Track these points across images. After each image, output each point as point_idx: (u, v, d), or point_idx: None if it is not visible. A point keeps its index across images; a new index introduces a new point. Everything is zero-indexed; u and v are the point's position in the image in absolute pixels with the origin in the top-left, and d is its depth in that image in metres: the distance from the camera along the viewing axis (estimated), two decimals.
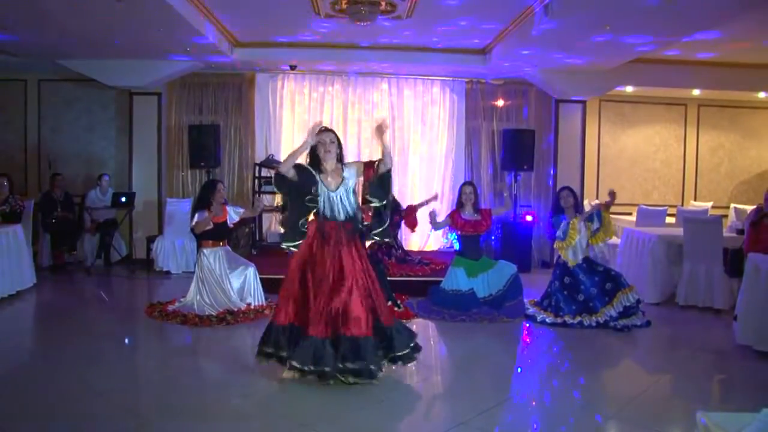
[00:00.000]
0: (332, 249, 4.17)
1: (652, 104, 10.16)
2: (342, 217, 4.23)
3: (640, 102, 10.11)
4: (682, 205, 10.06)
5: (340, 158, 4.30)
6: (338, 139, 4.31)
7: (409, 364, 4.34)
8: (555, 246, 6.27)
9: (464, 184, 6.59)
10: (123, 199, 8.49)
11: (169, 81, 8.91)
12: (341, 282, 4.10)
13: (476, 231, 6.35)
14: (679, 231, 6.92)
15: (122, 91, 9.01)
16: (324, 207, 4.23)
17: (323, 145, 4.22)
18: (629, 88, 9.39)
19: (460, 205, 6.43)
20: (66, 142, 9.36)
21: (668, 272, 6.89)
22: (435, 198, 7.56)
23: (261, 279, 6.29)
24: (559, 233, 6.10)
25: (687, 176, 10.36)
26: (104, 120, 9.39)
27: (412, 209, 7.47)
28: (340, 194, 4.23)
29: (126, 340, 5.47)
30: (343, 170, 4.29)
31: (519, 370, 4.82)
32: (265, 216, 9.24)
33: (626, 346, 5.45)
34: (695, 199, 10.27)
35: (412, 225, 7.49)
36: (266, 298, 6.24)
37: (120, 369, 4.54)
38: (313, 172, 4.23)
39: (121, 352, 5.13)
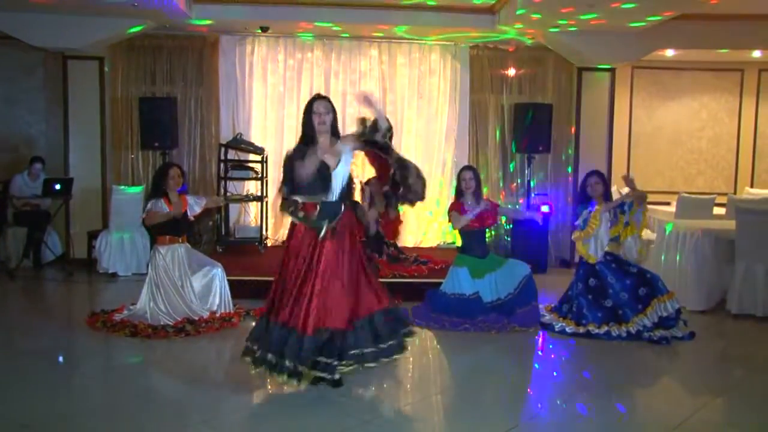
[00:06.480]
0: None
1: (699, 71, 10.14)
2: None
3: (683, 68, 10.11)
4: (735, 193, 10.09)
5: (335, 131, 4.45)
6: (333, 109, 4.43)
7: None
8: (573, 238, 6.33)
9: (463, 169, 6.63)
10: (57, 187, 8.39)
11: (114, 43, 8.83)
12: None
13: (481, 224, 6.39)
14: (731, 224, 6.93)
15: (53, 54, 8.91)
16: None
17: (317, 115, 4.35)
18: (670, 52, 9.33)
19: (459, 193, 6.45)
20: None
21: (716, 274, 6.90)
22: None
23: (229, 281, 6.30)
24: (579, 222, 6.15)
25: (742, 158, 10.37)
26: (30, 89, 9.25)
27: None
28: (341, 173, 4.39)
29: (60, 358, 5.40)
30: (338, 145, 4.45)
31: (534, 389, 4.86)
32: (232, 207, 9.25)
33: (665, 363, 5.48)
34: (752, 186, 10.27)
35: (393, 234, 7.50)
36: (234, 304, 6.27)
37: (51, 395, 4.45)
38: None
39: (54, 373, 5.01)
